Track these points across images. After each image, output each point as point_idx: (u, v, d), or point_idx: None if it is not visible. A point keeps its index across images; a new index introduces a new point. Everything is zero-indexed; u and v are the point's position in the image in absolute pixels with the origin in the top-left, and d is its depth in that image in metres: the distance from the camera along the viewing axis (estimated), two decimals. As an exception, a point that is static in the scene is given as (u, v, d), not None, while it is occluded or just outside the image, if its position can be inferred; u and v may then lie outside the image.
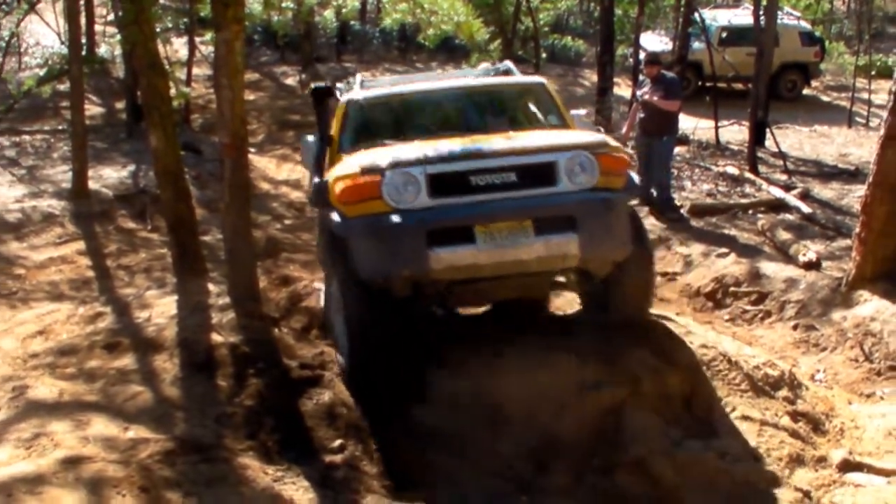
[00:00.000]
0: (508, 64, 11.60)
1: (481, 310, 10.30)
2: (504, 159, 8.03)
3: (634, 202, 14.69)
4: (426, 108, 10.35)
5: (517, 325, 9.36)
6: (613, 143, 8.72)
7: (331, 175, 8.71)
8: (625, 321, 8.91)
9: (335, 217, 8.33)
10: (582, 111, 10.44)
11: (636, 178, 9.04)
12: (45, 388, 7.73)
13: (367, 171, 7.99)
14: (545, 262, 8.04)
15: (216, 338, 8.65)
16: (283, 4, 17.53)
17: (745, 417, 8.11)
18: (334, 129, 9.70)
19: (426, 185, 7.87)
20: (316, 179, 8.95)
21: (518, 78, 10.97)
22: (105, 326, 9.19)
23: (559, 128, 9.64)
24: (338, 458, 7.44)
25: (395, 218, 7.78)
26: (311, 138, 9.76)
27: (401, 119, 10.09)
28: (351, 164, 8.45)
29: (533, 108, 10.26)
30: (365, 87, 10.80)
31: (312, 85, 9.90)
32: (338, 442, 7.62)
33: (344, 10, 18.52)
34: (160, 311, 9.32)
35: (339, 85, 11.45)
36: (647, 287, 9.04)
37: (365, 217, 7.95)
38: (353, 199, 8.08)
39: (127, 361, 8.35)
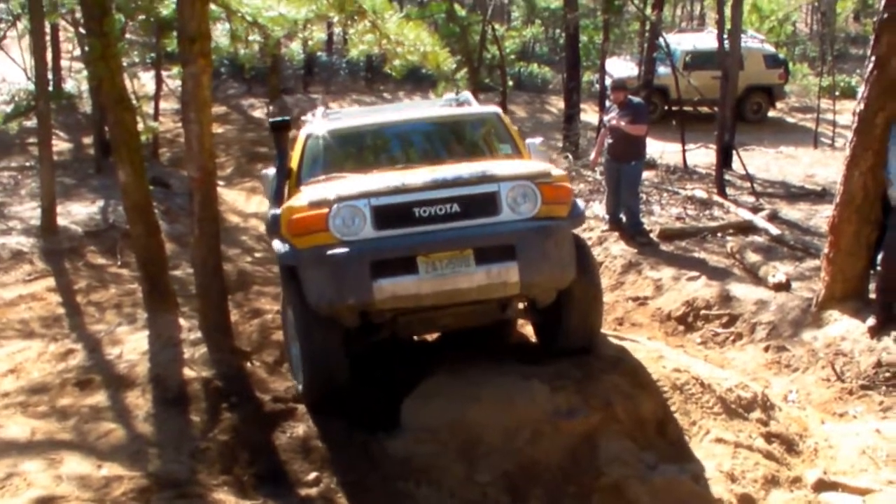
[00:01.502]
0: (467, 94, 11.72)
1: (453, 338, 10.32)
2: (446, 191, 8.14)
3: (604, 228, 14.89)
4: (384, 140, 10.50)
5: (489, 353, 9.40)
6: (557, 171, 8.83)
7: (283, 207, 8.84)
8: (575, 349, 9.01)
9: (287, 248, 8.49)
10: (538, 140, 10.50)
11: (583, 206, 9.13)
12: (17, 427, 7.71)
13: (314, 204, 8.15)
14: (486, 290, 8.10)
15: (188, 373, 8.65)
16: (250, 38, 17.49)
17: (720, 440, 8.14)
18: (294, 162, 9.79)
19: (371, 218, 8.03)
20: (272, 211, 9.03)
21: (473, 108, 11.06)
22: (76, 364, 9.16)
23: (512, 157, 9.77)
24: (313, 491, 7.45)
25: (341, 249, 7.91)
26: (271, 171, 9.83)
27: (359, 151, 10.21)
28: (301, 197, 8.61)
29: (488, 137, 10.42)
30: (329, 117, 10.85)
31: (271, 119, 9.97)
32: (313, 475, 7.63)
33: (311, 43, 18.43)
34: (132, 346, 9.30)
35: (304, 117, 11.48)
36: (593, 314, 9.09)
37: (313, 248, 8.08)
38: (301, 231, 8.23)
39: (99, 398, 8.33)
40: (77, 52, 26.08)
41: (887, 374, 9.93)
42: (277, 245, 8.78)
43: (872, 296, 10.92)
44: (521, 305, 9.17)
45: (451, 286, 7.96)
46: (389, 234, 8.03)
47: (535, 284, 8.21)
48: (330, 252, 7.90)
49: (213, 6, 10.16)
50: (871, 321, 10.48)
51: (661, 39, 24.28)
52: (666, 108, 27.42)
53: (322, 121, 10.58)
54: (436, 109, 11.25)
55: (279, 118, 9.98)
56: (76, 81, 25.19)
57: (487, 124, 10.53)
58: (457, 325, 9.20)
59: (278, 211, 8.87)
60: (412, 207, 8.06)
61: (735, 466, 7.84)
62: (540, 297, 8.67)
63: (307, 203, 8.22)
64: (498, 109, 11.01)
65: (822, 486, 7.88)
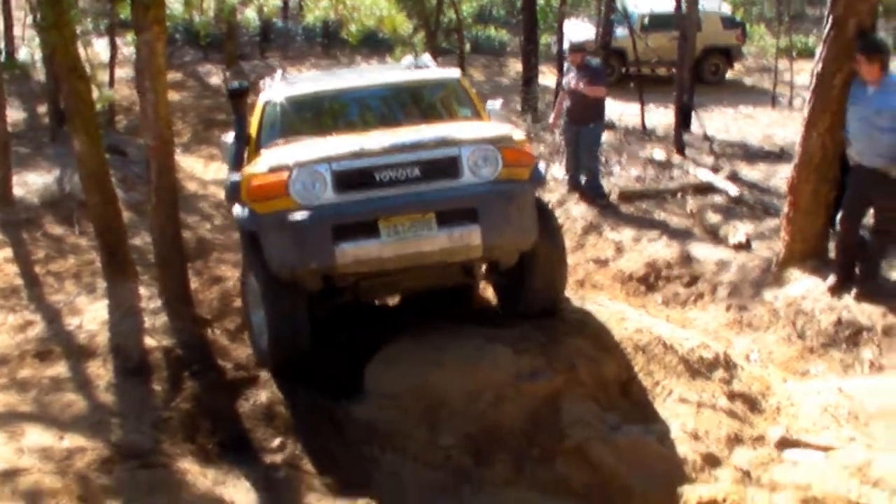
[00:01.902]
0: (426, 58, 11.66)
1: (416, 303, 10.31)
2: (407, 154, 8.14)
3: (564, 190, 14.88)
4: (343, 105, 10.48)
5: (452, 317, 9.38)
6: (518, 134, 8.85)
7: (243, 173, 8.81)
8: (539, 311, 9.03)
9: (247, 213, 8.49)
10: (497, 103, 10.49)
11: (543, 168, 9.13)
12: (-23, 401, 7.63)
13: (274, 169, 8.14)
14: (448, 253, 8.12)
15: (149, 342, 8.61)
16: (204, 4, 17.34)
17: (683, 400, 8.18)
18: (253, 128, 9.75)
19: (332, 182, 8.03)
20: (231, 177, 8.97)
21: (433, 72, 11.00)
22: (36, 335, 9.10)
23: (472, 120, 9.76)
24: (278, 457, 7.45)
25: (302, 214, 7.90)
26: (229, 138, 9.77)
27: (318, 116, 10.18)
28: (261, 162, 8.58)
29: (448, 101, 10.40)
30: (287, 83, 10.78)
31: (229, 85, 9.90)
32: (277, 441, 7.62)
33: (266, 9, 18.36)
34: (91, 317, 9.24)
35: (262, 82, 11.39)
36: (557, 276, 9.14)
37: (274, 213, 8.06)
38: (262, 197, 8.21)
39: (60, 370, 8.28)
40: (30, 20, 25.79)
41: (847, 333, 9.97)
42: (237, 211, 8.75)
43: (832, 255, 10.96)
44: (483, 268, 9.16)
45: (414, 249, 7.97)
46: (350, 199, 8.02)
47: (497, 247, 8.22)
48: (291, 217, 7.88)
49: (167, -29, 10.04)
50: (831, 280, 10.52)
51: (618, 2, 24.20)
52: (624, 70, 27.48)
53: (280, 86, 10.51)
54: (396, 73, 11.20)
55: (237, 84, 9.90)
56: (29, 50, 24.87)
57: (447, 88, 10.50)
58: (419, 287, 9.21)
59: (238, 177, 8.81)
60: (373, 171, 8.05)
61: (699, 426, 7.88)
62: (502, 260, 8.68)
63: (267, 168, 8.19)
64: (458, 73, 10.96)
65: (784, 443, 7.92)
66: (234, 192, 8.78)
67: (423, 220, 7.95)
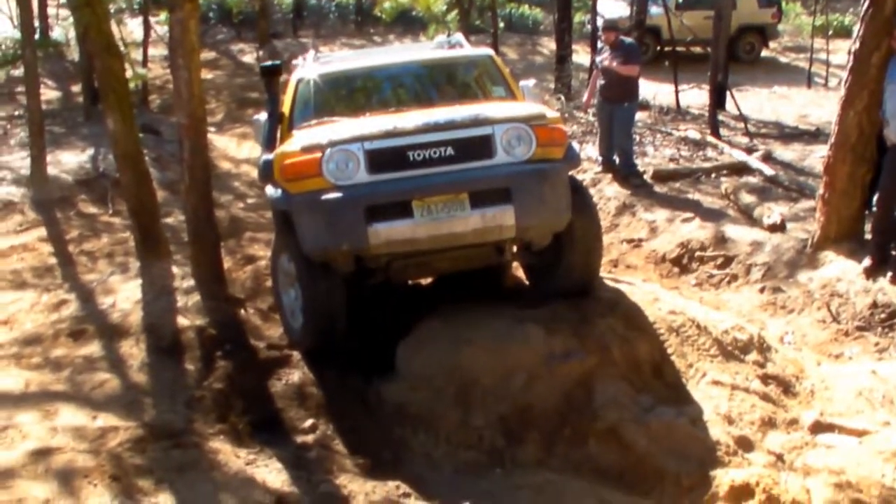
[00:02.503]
0: (459, 37, 11.61)
1: (447, 283, 10.30)
2: (440, 134, 8.10)
3: (598, 170, 14.82)
4: (376, 83, 10.44)
5: (484, 297, 9.36)
6: (552, 113, 8.78)
7: (276, 153, 8.78)
8: (574, 291, 8.97)
9: (280, 193, 8.47)
10: (531, 82, 10.42)
11: (577, 148, 9.07)
12: (11, 379, 7.68)
13: (307, 149, 8.11)
14: (482, 234, 8.09)
15: (182, 321, 8.62)
16: (238, -18, 17.37)
17: (716, 382, 8.13)
18: (286, 106, 9.73)
19: (365, 162, 8.00)
20: (264, 157, 8.97)
21: (466, 51, 10.97)
22: (69, 314, 9.12)
23: (506, 99, 9.70)
24: (309, 438, 7.44)
25: (335, 194, 7.88)
26: (262, 117, 9.78)
27: (351, 95, 10.16)
28: (294, 142, 8.56)
29: (481, 80, 10.35)
30: (320, 61, 10.76)
31: (261, 63, 9.89)
32: (309, 422, 7.62)
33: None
34: (124, 296, 9.26)
35: (294, 61, 11.38)
36: (593, 255, 9.07)
37: (306, 193, 8.05)
38: (295, 176, 8.19)
39: (93, 349, 8.30)
40: (63, -1, 25.90)
41: (883, 316, 9.92)
42: (270, 190, 8.75)
43: (868, 236, 10.88)
44: (515, 248, 9.12)
45: (447, 230, 7.94)
46: (384, 178, 7.99)
47: (530, 227, 8.18)
48: (324, 197, 7.86)
49: (200, -50, 10.02)
50: (867, 262, 10.45)
51: (653, -21, 24.12)
52: (658, 48, 27.34)
53: (313, 65, 10.50)
54: (428, 52, 11.17)
55: (270, 63, 9.89)
56: (63, 29, 24.95)
57: (480, 67, 10.44)
58: (452, 268, 9.18)
59: (271, 156, 8.80)
60: (406, 151, 8.02)
61: (732, 408, 7.83)
62: (536, 240, 8.63)
63: (300, 148, 8.18)
64: (491, 51, 10.92)
65: (818, 427, 7.87)
66: (267, 171, 8.76)
67: (457, 201, 7.91)
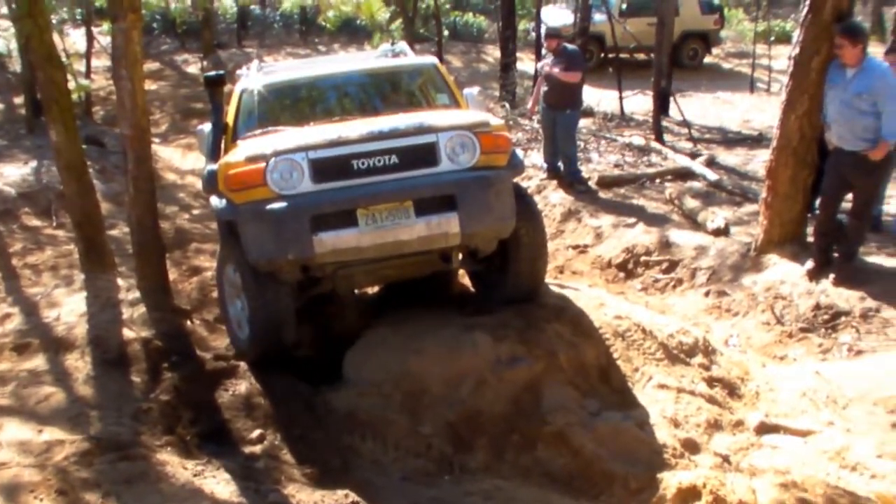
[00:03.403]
0: (403, 45, 11.64)
1: (395, 290, 10.31)
2: (384, 142, 8.10)
3: (543, 176, 14.89)
4: (320, 92, 10.43)
5: (431, 305, 9.38)
6: (496, 121, 8.81)
7: (220, 163, 8.77)
8: (520, 297, 9.00)
9: (225, 203, 8.45)
10: (475, 90, 10.47)
11: (522, 155, 9.11)
12: (-46, 394, 7.59)
13: (251, 159, 8.08)
14: (427, 241, 8.10)
15: (128, 333, 8.58)
16: (181, -9, 17.29)
17: (662, 386, 8.19)
18: (230, 117, 9.70)
19: (309, 171, 7.98)
20: (208, 167, 8.95)
21: (410, 59, 11.00)
22: (13, 328, 9.04)
23: (450, 107, 9.75)
24: (257, 448, 7.42)
25: (280, 204, 7.86)
26: (206, 127, 9.75)
27: (295, 104, 10.17)
28: (238, 152, 8.54)
29: (425, 88, 10.38)
30: (264, 71, 10.75)
31: (205, 74, 9.86)
32: (257, 432, 7.59)
33: (243, -4, 18.37)
34: (69, 308, 9.19)
35: (238, 72, 11.36)
36: (538, 262, 9.09)
37: (251, 203, 8.02)
38: (239, 187, 8.16)
39: (38, 362, 8.23)
40: (4, 9, 25.65)
41: (826, 317, 10.04)
42: (215, 201, 8.72)
43: (810, 239, 11.01)
44: (461, 256, 9.14)
45: (392, 238, 7.94)
46: (328, 188, 7.98)
47: (475, 234, 8.20)
48: (269, 207, 7.84)
49: (142, -40, 9.97)
50: (810, 264, 10.58)
51: (596, -13, 24.27)
52: (602, 55, 27.54)
53: (257, 75, 10.48)
54: (372, 61, 11.18)
55: (214, 73, 9.86)
56: (5, 40, 24.73)
57: (425, 75, 10.47)
58: (399, 276, 9.20)
59: (215, 167, 8.78)
60: (350, 160, 8.01)
61: (678, 411, 7.89)
62: (481, 247, 8.65)
63: (244, 158, 8.14)
64: (435, 60, 10.93)
65: (764, 428, 7.95)
66: (212, 181, 8.73)
67: (401, 209, 7.92)
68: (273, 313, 8.36)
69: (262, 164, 7.95)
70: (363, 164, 8.00)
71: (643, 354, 8.61)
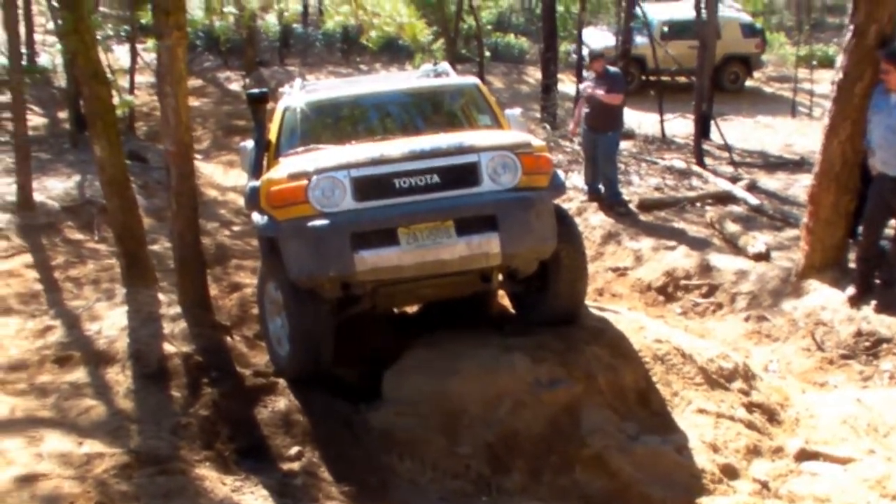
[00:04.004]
0: (445, 66, 11.62)
1: (434, 310, 10.31)
2: (426, 161, 8.12)
3: (583, 198, 14.86)
4: (362, 111, 10.47)
5: (470, 325, 9.37)
6: (538, 142, 8.79)
7: (262, 180, 8.80)
8: (559, 319, 8.98)
9: (266, 220, 8.48)
10: (517, 110, 10.46)
11: (562, 176, 9.10)
12: (-4, 405, 7.64)
13: (293, 176, 8.12)
14: (467, 261, 8.09)
15: (168, 348, 8.60)
16: (225, 10, 17.40)
17: (701, 410, 8.16)
18: (273, 134, 9.75)
19: (351, 189, 8.01)
20: (250, 184, 8.98)
21: (452, 79, 11.01)
22: (55, 340, 9.10)
23: (492, 128, 9.74)
24: (295, 465, 7.41)
25: (321, 221, 7.89)
26: (249, 144, 9.80)
27: (337, 123, 10.22)
28: (280, 169, 8.58)
29: (467, 109, 10.38)
30: (306, 89, 10.80)
31: (248, 91, 9.90)
32: (295, 449, 7.59)
33: (286, 14, 18.43)
34: (110, 322, 9.23)
35: (281, 89, 11.41)
36: (578, 284, 9.07)
37: (293, 220, 8.06)
38: (281, 203, 8.21)
39: (79, 375, 8.28)
40: (50, 25, 25.87)
41: (867, 344, 9.97)
42: (257, 217, 8.75)
43: (852, 265, 10.94)
44: (500, 276, 9.14)
45: (433, 257, 7.94)
46: (370, 206, 8.00)
47: (516, 255, 8.18)
48: (310, 224, 7.87)
49: (188, -22, 10.06)
50: (851, 291, 10.51)
51: (638, 9, 24.23)
52: (643, 77, 27.42)
53: (300, 93, 10.53)
54: (414, 80, 11.20)
55: (257, 90, 9.92)
56: (50, 55, 24.96)
57: (466, 95, 10.48)
58: (438, 296, 9.19)
59: (257, 183, 8.82)
60: (392, 178, 8.03)
61: (717, 437, 7.87)
62: (521, 268, 8.63)
63: (286, 175, 8.18)
64: (477, 80, 10.95)
65: (803, 455, 7.90)
66: (254, 198, 8.77)
67: (442, 228, 7.93)
68: (313, 331, 8.37)
69: (305, 182, 7.99)
70: (405, 182, 8.02)
71: (682, 379, 8.58)
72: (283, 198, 8.16)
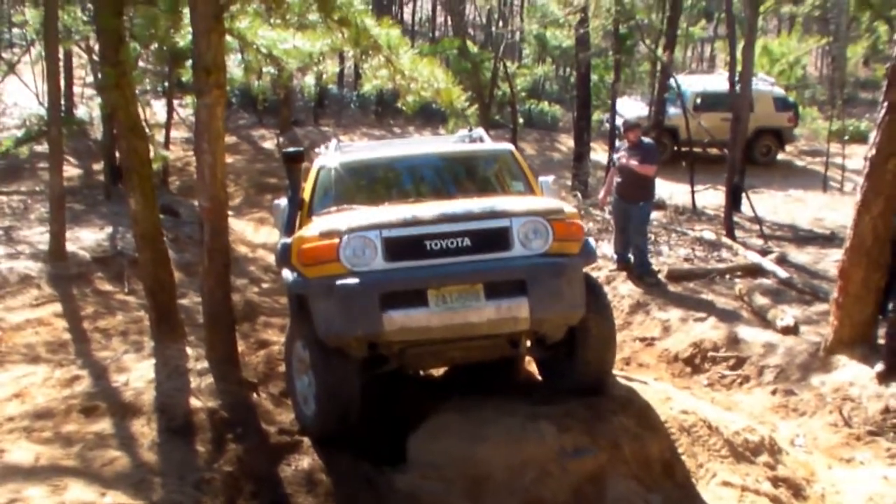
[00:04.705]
0: (480, 131, 11.69)
1: (460, 374, 10.30)
2: (458, 224, 8.16)
3: (612, 267, 14.86)
4: (396, 173, 10.52)
5: (496, 390, 9.35)
6: (569, 209, 8.80)
7: (294, 237, 8.85)
8: (587, 388, 8.94)
9: (297, 277, 8.49)
10: (550, 178, 10.50)
11: (593, 244, 9.10)
12: (21, 452, 7.66)
13: (325, 234, 8.17)
14: (496, 325, 8.09)
15: (194, 402, 8.61)
16: (264, 70, 17.55)
17: (726, 483, 8.12)
18: (307, 193, 9.81)
19: (382, 249, 8.04)
20: (282, 241, 9.03)
21: (487, 145, 11.09)
22: (82, 390, 9.11)
23: (524, 194, 9.77)
24: (317, 524, 7.40)
25: (351, 280, 7.91)
26: (282, 202, 9.86)
27: (371, 184, 10.24)
28: (312, 227, 8.64)
29: (500, 174, 10.44)
30: (342, 150, 10.88)
31: (284, 150, 9.97)
32: (317, 509, 7.57)
33: (325, 76, 18.53)
34: (138, 374, 9.26)
35: (317, 150, 11.49)
36: (606, 353, 9.03)
37: (323, 278, 8.08)
38: (312, 261, 8.25)
39: (104, 426, 8.28)
40: (89, 78, 26.18)
41: (895, 421, 9.90)
42: (287, 274, 8.78)
43: (881, 341, 10.89)
44: (528, 342, 9.13)
45: (461, 320, 7.94)
46: (400, 266, 8.03)
47: (545, 320, 8.19)
48: (340, 282, 7.90)
49: (228, 38, 10.17)
50: (880, 367, 10.46)
51: (672, 80, 24.34)
52: (676, 148, 27.45)
53: (335, 153, 10.60)
54: (449, 145, 11.28)
55: (292, 149, 10.00)
56: (87, 108, 25.23)
57: (500, 161, 10.54)
58: (465, 359, 9.19)
59: (289, 240, 8.86)
60: (424, 240, 8.07)
61: (742, 510, 7.81)
62: (549, 334, 8.63)
63: (318, 233, 8.24)
64: (511, 147, 10.99)
65: (829, 532, 7.85)
66: (285, 255, 8.80)
67: (472, 291, 7.94)
68: (340, 390, 8.37)
69: (336, 240, 8.04)
70: (436, 244, 8.05)
71: (708, 451, 8.54)
72: (314, 255, 8.21)
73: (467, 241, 8.10)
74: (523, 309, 7.96)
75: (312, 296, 8.28)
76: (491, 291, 7.97)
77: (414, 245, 8.08)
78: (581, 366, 8.85)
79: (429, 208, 8.45)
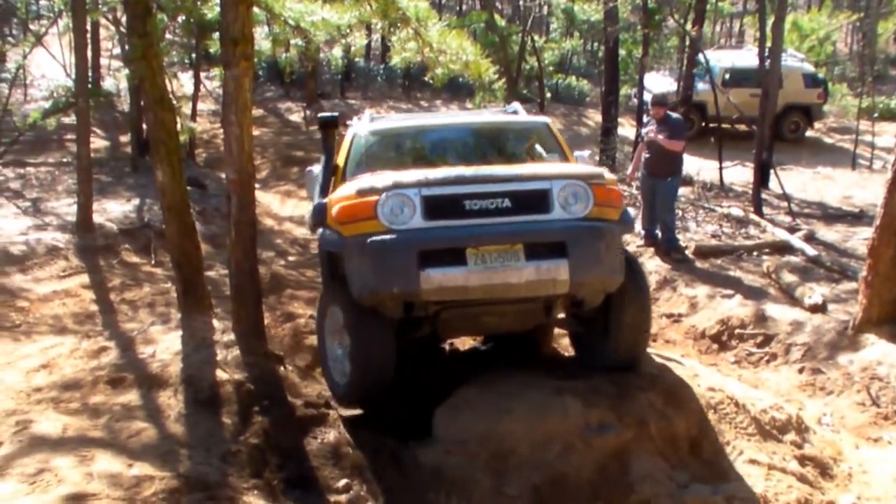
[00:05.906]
0: (517, 106, 11.61)
1: (487, 349, 10.28)
2: (498, 185, 8.10)
3: (640, 243, 14.81)
4: (432, 142, 10.49)
5: (522, 366, 9.33)
6: (609, 175, 8.71)
7: (330, 197, 8.82)
8: (620, 365, 8.88)
9: (332, 236, 8.49)
10: (585, 152, 10.46)
11: (632, 213, 9.03)
12: (49, 423, 7.67)
13: (363, 192, 8.11)
14: (535, 286, 8.00)
15: (221, 375, 8.61)
16: (291, 42, 17.53)
17: (753, 461, 8.07)
18: (340, 159, 9.80)
19: (421, 207, 7.98)
20: (317, 201, 8.99)
21: (522, 117, 11.02)
22: (109, 361, 9.14)
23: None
24: (343, 497, 7.39)
25: (389, 237, 7.86)
26: (315, 168, 9.83)
27: (406, 152, 10.24)
28: (349, 186, 8.60)
29: (536, 146, 10.34)
30: (375, 121, 10.86)
31: (319, 114, 9.96)
32: (343, 482, 7.57)
33: (353, 49, 18.51)
34: (164, 346, 9.27)
35: (349, 121, 11.47)
36: (642, 327, 8.93)
37: (360, 236, 8.02)
38: (349, 219, 8.20)
39: (131, 397, 8.30)
40: (116, 50, 26.29)
41: (923, 401, 9.86)
42: (322, 234, 8.75)
43: (910, 320, 10.84)
44: (561, 315, 9.07)
45: (500, 280, 7.87)
46: (439, 225, 7.98)
47: (584, 283, 8.11)
48: (377, 238, 7.87)
49: (256, 10, 10.14)
50: (908, 346, 10.41)
51: (700, 55, 24.20)
52: (704, 124, 27.34)
53: (369, 122, 10.59)
54: (486, 116, 11.22)
55: (327, 114, 10.00)
56: (115, 80, 25.29)
57: (537, 133, 10.49)
58: (498, 326, 9.14)
59: (325, 200, 8.84)
60: (463, 199, 8.01)
61: (768, 488, 7.77)
62: (587, 299, 8.52)
63: (356, 191, 8.19)
64: (548, 119, 10.94)
65: (855, 511, 7.82)
66: (321, 215, 8.79)
67: (512, 251, 7.87)
68: (376, 351, 8.34)
69: (374, 198, 7.99)
70: (476, 204, 8.00)
71: (735, 428, 8.50)
72: (351, 213, 8.17)
73: (507, 203, 8.04)
74: (563, 271, 7.88)
75: (348, 254, 8.21)
76: (531, 252, 7.89)
77: (453, 204, 8.02)
78: (616, 343, 8.76)
79: (468, 169, 8.43)
